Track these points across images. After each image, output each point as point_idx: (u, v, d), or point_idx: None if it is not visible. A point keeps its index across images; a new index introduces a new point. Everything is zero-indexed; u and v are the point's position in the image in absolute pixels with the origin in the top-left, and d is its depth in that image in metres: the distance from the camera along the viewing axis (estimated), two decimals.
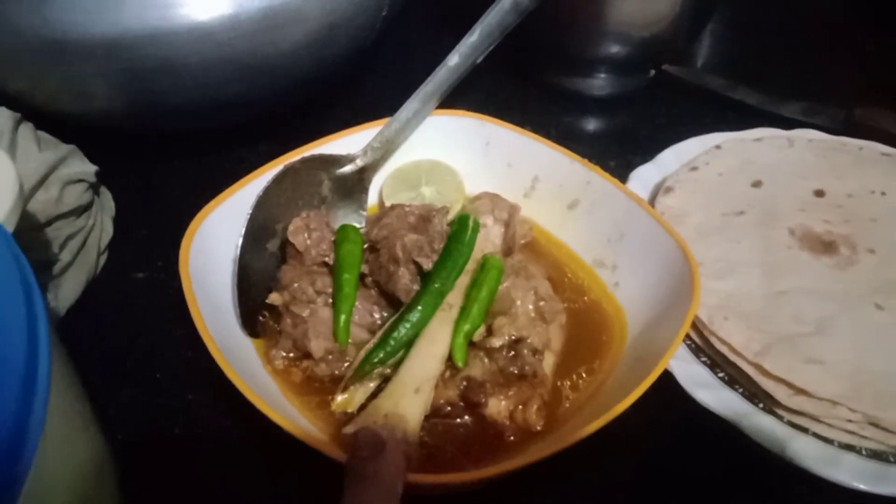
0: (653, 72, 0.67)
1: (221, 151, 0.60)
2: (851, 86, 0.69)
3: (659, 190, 0.53)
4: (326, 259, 0.44)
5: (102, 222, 0.51)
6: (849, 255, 0.48)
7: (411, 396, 0.38)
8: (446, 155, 0.53)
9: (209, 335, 0.38)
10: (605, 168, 0.58)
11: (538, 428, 0.39)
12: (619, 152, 0.61)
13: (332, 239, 0.45)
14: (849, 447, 0.40)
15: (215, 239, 0.44)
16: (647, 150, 0.57)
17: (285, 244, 0.45)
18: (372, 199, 0.52)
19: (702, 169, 0.54)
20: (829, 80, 0.71)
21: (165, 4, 0.44)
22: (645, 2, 0.60)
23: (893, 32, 0.79)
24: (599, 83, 0.67)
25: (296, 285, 0.42)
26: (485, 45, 0.51)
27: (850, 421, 0.40)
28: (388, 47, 0.70)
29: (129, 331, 0.48)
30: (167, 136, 0.58)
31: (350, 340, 0.42)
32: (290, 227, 0.44)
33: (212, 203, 0.45)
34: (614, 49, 0.63)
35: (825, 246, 0.49)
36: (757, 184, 0.53)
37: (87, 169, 0.49)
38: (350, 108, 0.64)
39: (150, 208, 0.56)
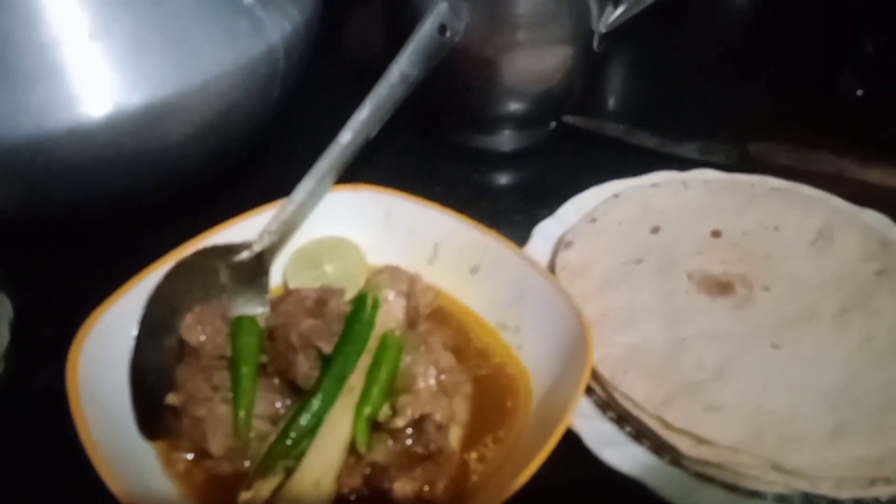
0: (553, 124, 0.69)
1: (125, 238, 0.59)
2: (745, 121, 0.71)
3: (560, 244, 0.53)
4: (224, 353, 0.44)
5: None
6: (745, 294, 0.49)
7: (310, 492, 0.37)
8: (348, 229, 0.53)
9: (91, 444, 0.37)
10: (511, 223, 0.59)
11: None
12: (525, 206, 0.62)
13: (228, 332, 0.44)
14: (755, 494, 0.40)
15: (114, 338, 0.43)
16: (553, 201, 0.58)
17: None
18: (277, 280, 0.52)
19: (601, 220, 0.55)
20: (723, 117, 0.73)
21: (39, 110, 0.43)
22: (536, 58, 0.61)
23: (785, 64, 0.83)
24: (503, 139, 0.68)
25: (190, 384, 0.42)
26: (376, 119, 0.51)
27: (752, 466, 0.40)
28: (298, 118, 0.70)
29: (37, 441, 0.46)
30: (65, 228, 0.57)
31: (253, 433, 0.42)
32: (183, 325, 0.43)
33: (105, 303, 0.44)
34: (513, 106, 0.64)
35: (721, 287, 0.49)
36: (655, 230, 0.54)
37: None
38: (266, 181, 0.62)
39: (53, 305, 0.55)
